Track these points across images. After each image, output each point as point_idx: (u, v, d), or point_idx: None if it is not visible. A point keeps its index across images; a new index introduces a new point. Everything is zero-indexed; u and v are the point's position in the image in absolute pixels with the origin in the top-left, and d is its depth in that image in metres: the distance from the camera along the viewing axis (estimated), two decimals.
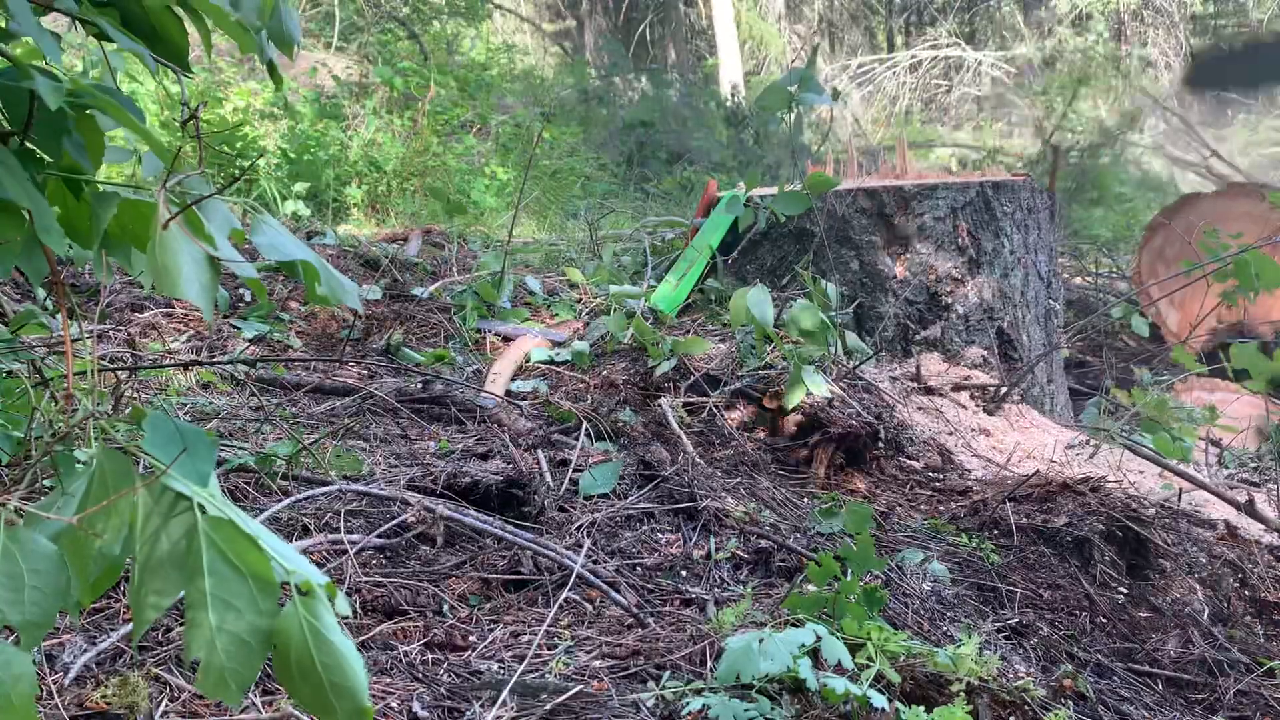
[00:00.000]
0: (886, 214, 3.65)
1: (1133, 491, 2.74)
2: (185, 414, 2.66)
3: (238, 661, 0.74)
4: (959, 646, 1.71)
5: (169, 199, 0.81)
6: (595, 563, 2.14)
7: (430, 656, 1.74)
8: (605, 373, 3.31)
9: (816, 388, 2.82)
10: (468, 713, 1.56)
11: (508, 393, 3.20)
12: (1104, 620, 2.21)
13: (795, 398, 2.85)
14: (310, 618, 0.76)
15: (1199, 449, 3.50)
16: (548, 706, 1.57)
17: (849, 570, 1.84)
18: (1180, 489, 2.70)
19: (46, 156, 0.85)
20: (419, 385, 3.08)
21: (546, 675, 1.68)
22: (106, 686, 1.46)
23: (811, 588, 1.84)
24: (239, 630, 0.74)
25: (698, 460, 2.70)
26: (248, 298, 3.75)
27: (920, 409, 3.29)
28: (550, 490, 2.47)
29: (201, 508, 0.77)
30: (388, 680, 1.64)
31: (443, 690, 1.62)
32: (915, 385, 3.41)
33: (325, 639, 0.76)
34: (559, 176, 8.73)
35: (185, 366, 2.91)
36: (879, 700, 1.52)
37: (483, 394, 3.07)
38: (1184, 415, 3.26)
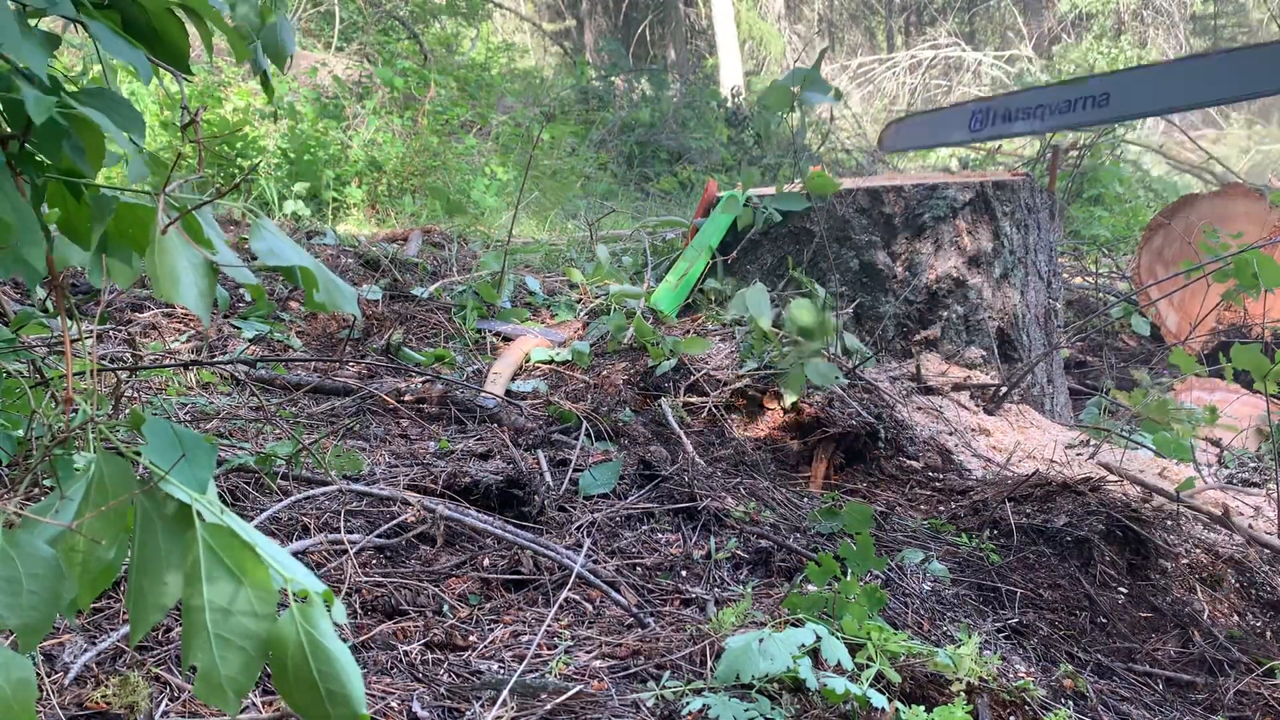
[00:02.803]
0: (887, 214, 3.65)
1: (1132, 491, 2.74)
2: (185, 414, 2.66)
3: (235, 668, 0.74)
4: (959, 646, 1.71)
5: (169, 204, 0.81)
6: (595, 563, 2.14)
7: (430, 656, 1.74)
8: (605, 373, 3.31)
9: (824, 379, 2.80)
10: (468, 713, 1.56)
11: (508, 393, 3.20)
12: (1104, 620, 2.21)
13: (792, 395, 2.84)
14: (307, 625, 0.76)
15: (1200, 450, 3.50)
16: (548, 706, 1.57)
17: (849, 570, 1.84)
18: (1178, 492, 2.70)
19: (46, 159, 0.85)
20: (419, 385, 3.08)
21: (546, 675, 1.68)
22: (106, 686, 1.47)
23: (811, 588, 1.85)
24: (236, 637, 0.74)
25: (698, 460, 2.70)
26: (248, 297, 3.75)
27: (920, 409, 3.29)
28: (550, 490, 2.47)
29: (200, 514, 0.77)
30: (388, 680, 1.64)
31: (443, 690, 1.62)
32: (915, 385, 3.41)
33: (322, 646, 0.76)
34: (559, 176, 8.73)
35: (185, 366, 2.91)
36: (879, 700, 1.52)
37: (483, 394, 3.08)
38: (1184, 416, 3.26)
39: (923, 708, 1.56)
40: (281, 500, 2.11)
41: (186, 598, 0.76)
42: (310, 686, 0.75)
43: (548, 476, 2.55)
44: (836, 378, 2.88)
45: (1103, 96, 3.67)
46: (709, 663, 1.72)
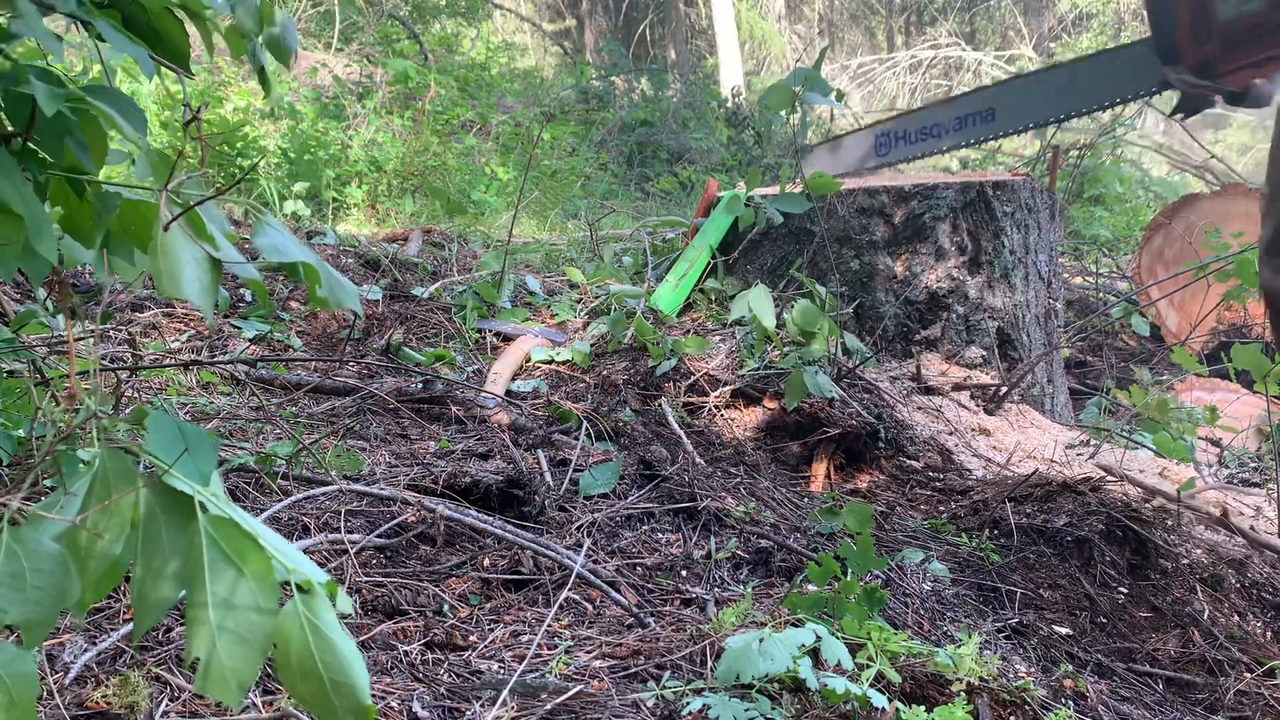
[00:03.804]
0: (886, 214, 3.65)
1: (1133, 491, 2.75)
2: (185, 414, 2.66)
3: (238, 660, 0.74)
4: (959, 646, 1.71)
5: (170, 200, 0.81)
6: (595, 562, 2.14)
7: (430, 656, 1.74)
8: (605, 373, 3.31)
9: (819, 390, 2.81)
10: (468, 713, 1.56)
11: (508, 392, 3.20)
12: (1104, 620, 2.21)
13: (795, 399, 2.85)
14: (311, 616, 0.76)
15: (1200, 450, 3.50)
16: (548, 706, 1.57)
17: (849, 570, 1.84)
18: (1178, 492, 2.70)
19: (49, 157, 0.85)
20: (419, 385, 3.08)
21: (546, 675, 1.68)
22: (107, 686, 1.47)
23: (811, 588, 1.85)
24: (240, 629, 0.74)
25: (698, 460, 2.70)
26: (248, 297, 3.75)
27: (920, 409, 3.29)
28: (550, 490, 2.47)
29: (203, 506, 0.77)
30: (388, 680, 1.64)
31: (443, 690, 1.62)
32: (915, 385, 3.41)
33: (326, 637, 0.76)
34: (559, 176, 8.73)
35: (185, 366, 2.91)
36: (879, 700, 1.52)
37: (483, 394, 3.08)
38: (1184, 415, 3.26)
39: (923, 708, 1.56)
40: (281, 500, 2.11)
41: (190, 590, 0.76)
42: (315, 677, 0.75)
43: (548, 476, 2.55)
44: (832, 389, 2.89)
45: (989, 112, 3.83)
46: (709, 663, 1.72)
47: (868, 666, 1.62)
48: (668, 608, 2.01)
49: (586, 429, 2.83)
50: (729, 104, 11.94)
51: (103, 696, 1.45)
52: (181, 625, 1.69)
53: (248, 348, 3.37)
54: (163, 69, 1.08)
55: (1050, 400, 3.83)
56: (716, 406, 3.06)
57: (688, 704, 1.55)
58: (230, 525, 0.76)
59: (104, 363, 2.62)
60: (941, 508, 2.70)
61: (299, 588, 0.77)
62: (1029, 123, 3.73)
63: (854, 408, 2.93)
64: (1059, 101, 3.60)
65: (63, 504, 0.78)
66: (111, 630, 1.63)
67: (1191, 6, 2.67)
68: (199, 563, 0.75)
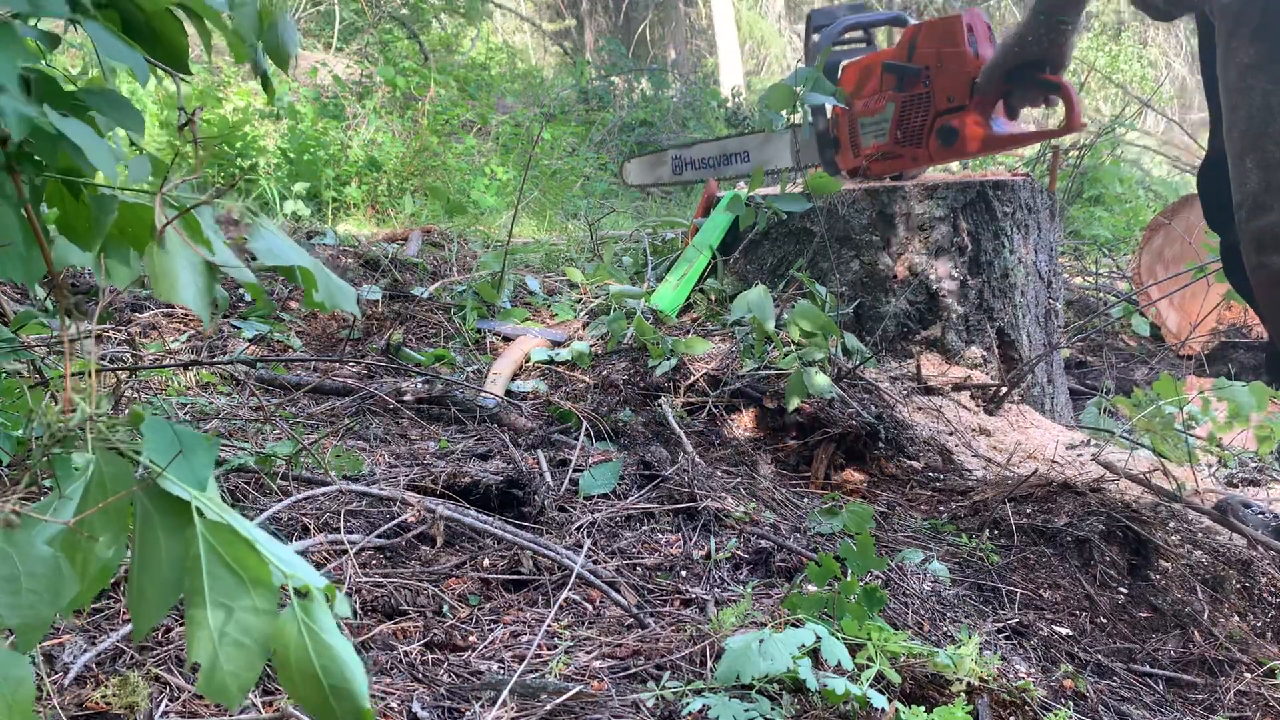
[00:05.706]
0: (886, 214, 3.65)
1: (1133, 491, 2.74)
2: (185, 414, 2.66)
3: (238, 665, 0.74)
4: (959, 647, 1.71)
5: (167, 203, 0.81)
6: (595, 563, 2.14)
7: (430, 656, 1.74)
8: (605, 373, 3.31)
9: (819, 390, 2.81)
10: (468, 713, 1.56)
11: (508, 393, 3.20)
12: (1104, 620, 2.21)
13: (795, 399, 2.84)
14: (309, 621, 0.76)
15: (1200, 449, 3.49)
16: (548, 707, 1.57)
17: (849, 570, 1.84)
18: (1180, 492, 2.70)
19: (44, 159, 0.85)
20: (419, 385, 3.08)
21: (546, 675, 1.68)
22: (106, 686, 1.47)
23: (811, 588, 1.85)
24: (239, 634, 0.75)
25: (698, 460, 2.70)
26: (248, 298, 3.75)
27: (920, 409, 3.28)
28: (550, 490, 2.47)
29: (200, 511, 0.77)
30: (387, 680, 1.64)
31: (443, 690, 1.62)
32: (915, 385, 3.40)
33: (324, 642, 0.76)
34: (559, 176, 8.73)
35: (185, 366, 2.91)
36: (879, 700, 1.52)
37: (483, 394, 3.07)
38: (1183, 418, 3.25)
39: (923, 708, 1.56)
40: (281, 500, 2.11)
41: (188, 596, 0.76)
42: (314, 682, 0.76)
43: (548, 476, 2.55)
44: (831, 389, 2.89)
45: (744, 153, 4.64)
46: (709, 663, 1.72)
47: (868, 667, 1.62)
48: (668, 608, 2.01)
49: (586, 429, 2.83)
50: (729, 104, 11.93)
51: (102, 697, 1.45)
52: (181, 625, 1.69)
53: (247, 348, 3.37)
54: (161, 70, 1.08)
55: (1050, 400, 3.82)
56: (716, 406, 3.06)
57: (687, 704, 1.55)
58: (227, 531, 0.77)
59: (103, 363, 2.62)
60: (941, 508, 2.70)
61: (297, 592, 0.77)
62: (769, 168, 4.47)
63: (854, 408, 2.93)
64: (787, 155, 4.37)
65: (57, 507, 0.78)
66: (111, 630, 1.63)
67: (849, 134, 3.60)
68: (197, 568, 0.76)
